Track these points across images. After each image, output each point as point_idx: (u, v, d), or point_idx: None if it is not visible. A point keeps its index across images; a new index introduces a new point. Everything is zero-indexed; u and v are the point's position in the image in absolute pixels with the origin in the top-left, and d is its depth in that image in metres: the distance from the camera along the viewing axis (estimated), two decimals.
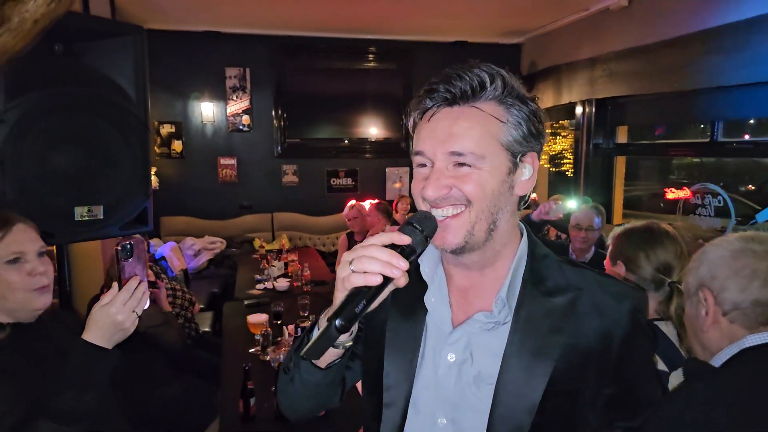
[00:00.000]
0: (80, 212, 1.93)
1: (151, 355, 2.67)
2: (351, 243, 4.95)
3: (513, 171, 0.85)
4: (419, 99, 0.88)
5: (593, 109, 5.33)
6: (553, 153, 6.10)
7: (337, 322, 0.72)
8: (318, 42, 6.38)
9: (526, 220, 3.25)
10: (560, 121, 6.03)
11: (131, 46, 2.09)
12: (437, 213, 0.84)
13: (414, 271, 0.90)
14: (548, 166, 6.34)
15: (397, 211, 5.60)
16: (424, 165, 0.87)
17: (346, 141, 6.80)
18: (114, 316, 1.21)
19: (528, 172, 0.87)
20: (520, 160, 0.85)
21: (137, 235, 1.31)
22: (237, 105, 6.27)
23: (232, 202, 6.35)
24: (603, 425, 0.86)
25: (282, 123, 6.42)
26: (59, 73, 1.90)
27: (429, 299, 0.93)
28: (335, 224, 6.52)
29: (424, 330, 0.93)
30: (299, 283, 4.14)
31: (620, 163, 5.46)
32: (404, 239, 0.78)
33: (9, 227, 1.32)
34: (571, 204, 3.51)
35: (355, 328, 0.88)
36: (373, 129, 6.85)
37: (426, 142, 0.85)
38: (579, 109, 5.49)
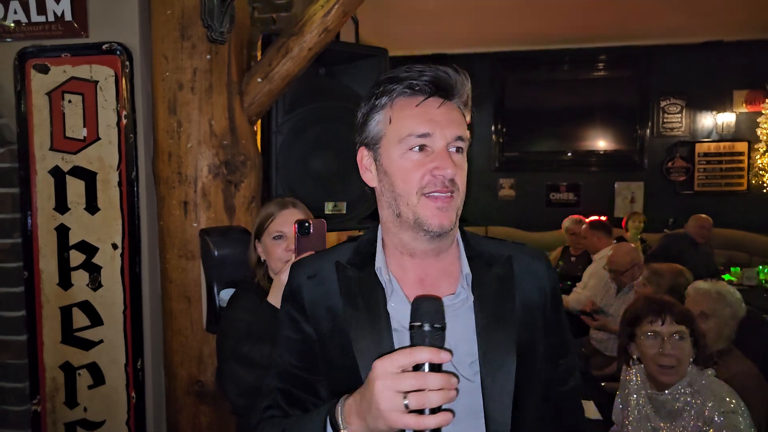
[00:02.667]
0: (329, 206, 2.29)
1: None
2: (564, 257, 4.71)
3: None
4: (396, 85, 0.87)
5: None
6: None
7: None
8: (540, 55, 6.31)
9: None
10: None
11: (376, 65, 2.41)
12: (438, 202, 0.86)
13: (367, 278, 0.91)
14: None
15: (627, 230, 5.11)
16: (418, 149, 0.86)
17: (569, 154, 6.53)
18: (285, 281, 1.39)
19: None
20: None
21: (321, 219, 1.45)
22: None
23: None
24: (550, 368, 0.97)
25: (500, 137, 6.49)
26: (321, 91, 2.30)
27: (390, 305, 0.89)
28: (553, 240, 6.26)
29: (392, 337, 0.88)
30: None
31: None
32: (444, 358, 0.71)
33: (281, 210, 1.61)
34: None
35: None
36: (601, 141, 6.45)
37: (428, 125, 0.86)
38: None
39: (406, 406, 0.69)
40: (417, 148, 0.86)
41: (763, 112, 5.59)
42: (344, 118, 2.33)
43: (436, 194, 0.85)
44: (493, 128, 6.50)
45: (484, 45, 6.25)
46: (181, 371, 1.91)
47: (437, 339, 0.73)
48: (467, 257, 0.94)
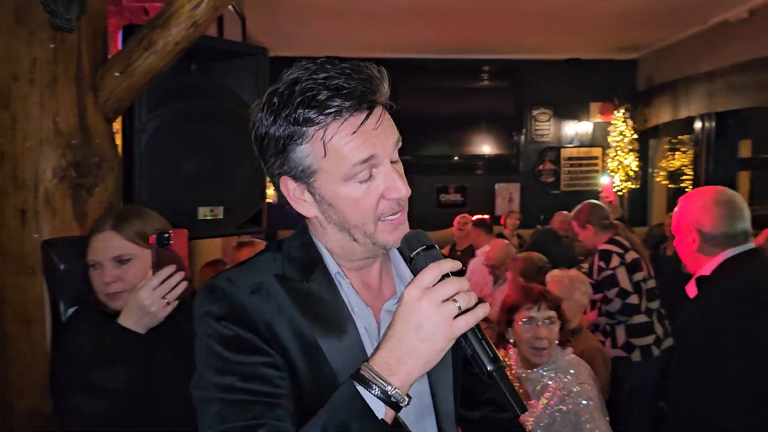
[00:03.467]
0: (203, 212, 2.14)
1: None
2: (451, 253, 4.96)
3: None
4: (323, 107, 0.75)
5: (713, 124, 5.23)
6: (672, 169, 5.87)
7: (495, 365, 0.71)
8: (431, 63, 6.55)
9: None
10: (678, 137, 5.84)
11: (254, 64, 2.31)
12: (395, 222, 0.82)
13: (321, 289, 0.84)
14: (666, 182, 6.08)
15: (506, 227, 5.49)
16: (365, 180, 0.79)
17: (456, 158, 6.86)
18: (142, 300, 1.23)
19: None
20: None
21: (183, 229, 1.33)
22: None
23: None
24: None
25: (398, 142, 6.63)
26: (193, 88, 2.15)
27: (353, 312, 0.86)
28: (444, 240, 6.51)
29: (363, 342, 0.85)
30: None
31: (744, 180, 5.33)
32: (458, 264, 0.74)
33: (94, 234, 1.36)
34: None
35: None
36: (485, 146, 6.88)
37: (370, 147, 0.78)
38: (698, 124, 5.37)
39: (459, 308, 0.69)
40: (361, 180, 0.78)
41: (612, 122, 6.35)
42: (220, 117, 2.19)
43: (391, 216, 0.82)
44: None
45: (378, 51, 6.33)
46: (20, 404, 1.66)
47: (436, 254, 0.76)
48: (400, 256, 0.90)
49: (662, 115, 5.93)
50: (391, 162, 0.81)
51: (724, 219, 1.64)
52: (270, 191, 2.38)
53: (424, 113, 6.67)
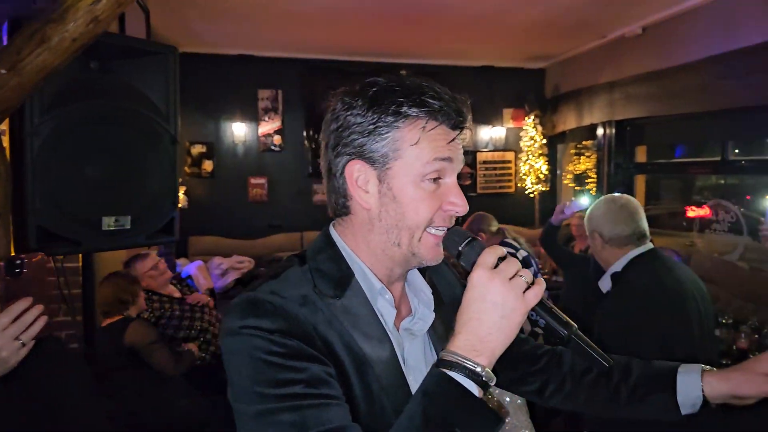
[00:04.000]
0: (108, 222, 1.98)
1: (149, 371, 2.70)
2: None
3: None
4: (428, 105, 0.82)
5: (613, 131, 5.59)
6: (578, 172, 6.22)
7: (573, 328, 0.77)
8: (349, 65, 6.52)
9: (549, 226, 3.34)
10: (583, 142, 6.19)
11: (163, 64, 2.17)
12: (437, 239, 0.86)
13: (358, 305, 0.84)
14: (573, 185, 6.42)
15: None
16: (436, 180, 0.83)
17: None
18: None
19: None
20: None
21: (40, 254, 1.17)
22: (269, 126, 6.42)
23: (261, 221, 6.44)
24: None
25: (314, 143, 6.54)
26: (93, 88, 1.99)
27: (388, 329, 0.86)
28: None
29: (398, 359, 0.86)
30: None
31: (640, 182, 5.66)
32: (504, 250, 0.79)
33: None
34: (584, 201, 3.54)
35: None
36: None
37: (452, 152, 0.84)
38: (600, 131, 5.72)
39: (526, 282, 0.74)
40: (433, 178, 0.82)
41: (524, 127, 6.68)
42: (125, 120, 2.04)
43: (437, 231, 0.84)
44: (305, 134, 6.52)
45: (294, 51, 6.22)
46: None
47: (482, 244, 0.81)
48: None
49: (568, 121, 6.24)
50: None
51: (620, 222, 1.91)
52: (182, 195, 2.25)
53: None
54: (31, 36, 1.60)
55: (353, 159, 0.84)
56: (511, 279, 0.74)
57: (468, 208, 0.85)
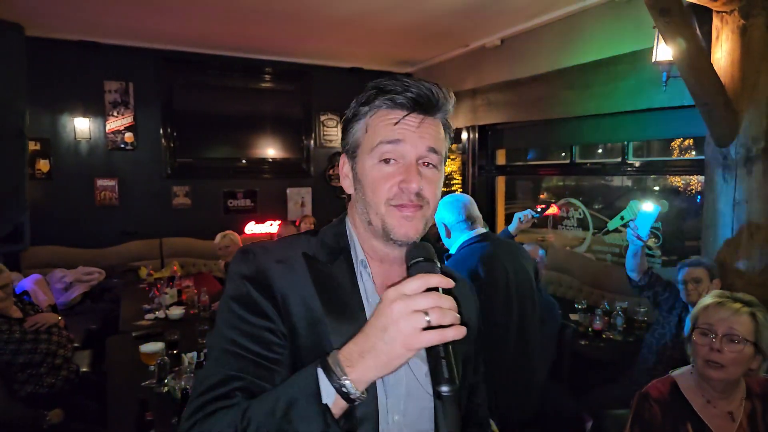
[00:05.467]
0: None
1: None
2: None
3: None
4: (380, 96, 0.90)
5: (476, 135, 6.02)
6: (445, 174, 6.54)
7: (447, 388, 0.69)
8: (210, 59, 6.14)
9: (506, 234, 3.38)
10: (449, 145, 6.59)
11: (7, 44, 1.83)
12: (405, 212, 0.89)
13: (340, 274, 0.93)
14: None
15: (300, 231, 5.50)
16: (387, 161, 0.90)
17: (244, 161, 6.55)
18: None
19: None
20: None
21: None
22: (118, 121, 5.77)
23: (112, 228, 5.78)
24: (469, 374, 1.10)
25: (172, 142, 6.02)
26: None
27: (366, 303, 0.93)
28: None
29: None
30: (196, 310, 3.85)
31: (500, 184, 6.14)
32: (450, 283, 0.73)
33: None
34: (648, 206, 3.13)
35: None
36: (272, 150, 6.71)
37: (400, 134, 0.88)
38: (465, 135, 6.12)
39: (428, 323, 0.70)
40: (387, 159, 0.89)
41: None
42: None
43: (399, 203, 0.89)
44: (162, 131, 5.98)
45: (146, 40, 5.68)
46: None
47: (432, 267, 0.78)
48: None
49: None
50: (424, 164, 0.90)
51: (455, 213, 2.40)
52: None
53: (205, 112, 6.24)
54: None
55: (341, 153, 1.00)
56: (415, 311, 0.70)
57: (420, 187, 0.88)
